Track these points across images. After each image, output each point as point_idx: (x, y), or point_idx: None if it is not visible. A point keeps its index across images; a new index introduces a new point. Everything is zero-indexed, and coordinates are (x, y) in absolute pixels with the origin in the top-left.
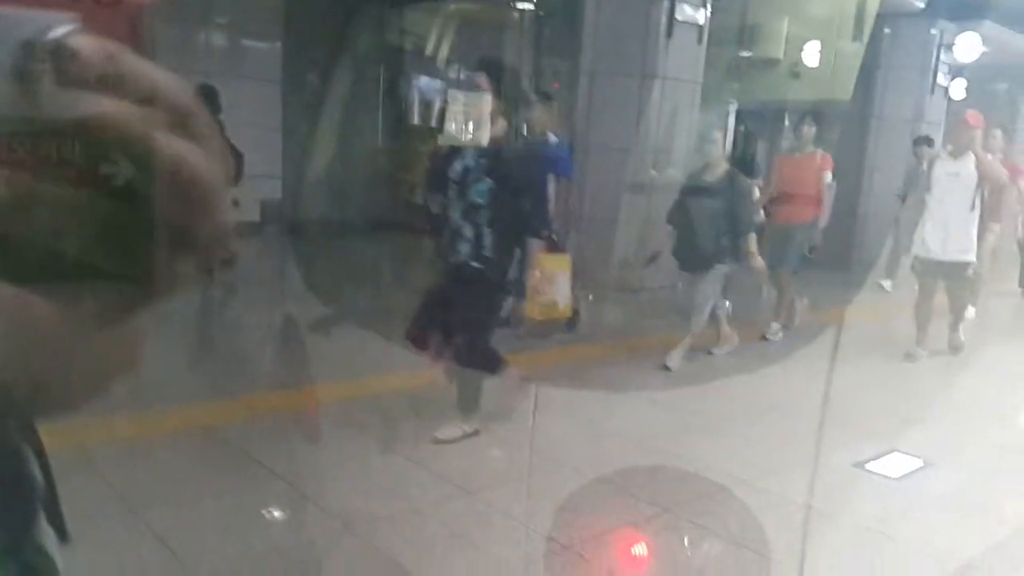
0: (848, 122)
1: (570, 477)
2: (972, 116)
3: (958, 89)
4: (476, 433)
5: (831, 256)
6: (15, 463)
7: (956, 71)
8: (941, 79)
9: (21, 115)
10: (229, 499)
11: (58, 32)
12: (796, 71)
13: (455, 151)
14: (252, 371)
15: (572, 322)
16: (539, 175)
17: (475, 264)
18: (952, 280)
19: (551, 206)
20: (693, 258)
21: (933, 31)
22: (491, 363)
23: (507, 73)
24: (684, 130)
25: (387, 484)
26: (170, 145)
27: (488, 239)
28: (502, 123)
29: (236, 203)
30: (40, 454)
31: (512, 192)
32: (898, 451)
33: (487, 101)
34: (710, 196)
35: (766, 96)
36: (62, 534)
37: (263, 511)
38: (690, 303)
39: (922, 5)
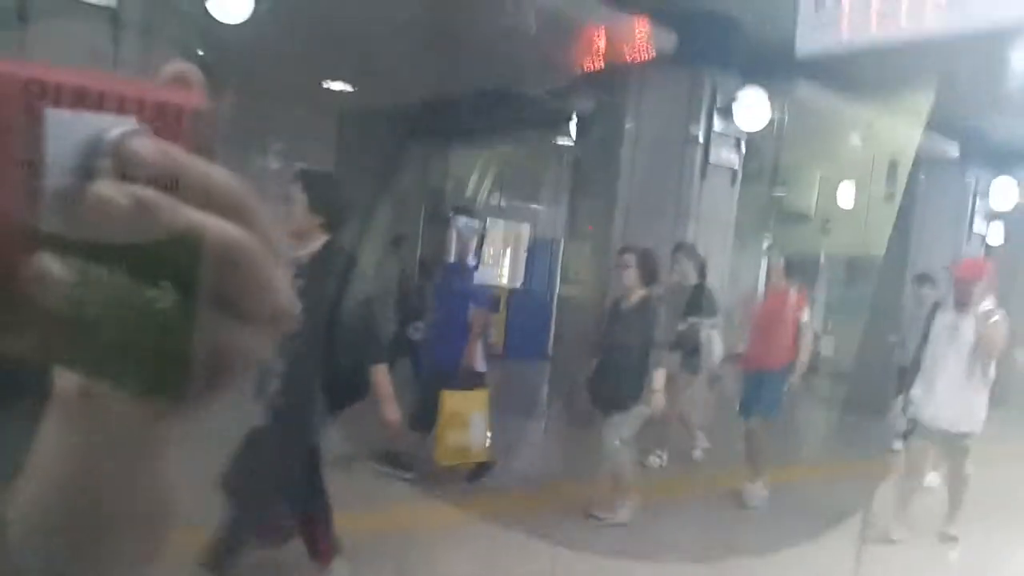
0: (884, 271)
1: None
2: (968, 266)
3: (995, 235)
4: None
5: (870, 407)
6: None
7: (992, 217)
8: (978, 226)
9: (77, 237)
10: None
11: (118, 132)
12: (827, 228)
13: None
14: None
15: (480, 470)
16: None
17: (284, 403)
18: (948, 454)
19: (470, 338)
20: (604, 393)
21: (969, 179)
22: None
23: (325, 182)
24: (717, 273)
25: None
26: (227, 242)
27: (301, 372)
28: (318, 236)
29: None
30: None
31: (325, 315)
32: None
33: (525, 230)
34: (624, 325)
35: (799, 248)
36: None
37: None
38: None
39: (957, 154)
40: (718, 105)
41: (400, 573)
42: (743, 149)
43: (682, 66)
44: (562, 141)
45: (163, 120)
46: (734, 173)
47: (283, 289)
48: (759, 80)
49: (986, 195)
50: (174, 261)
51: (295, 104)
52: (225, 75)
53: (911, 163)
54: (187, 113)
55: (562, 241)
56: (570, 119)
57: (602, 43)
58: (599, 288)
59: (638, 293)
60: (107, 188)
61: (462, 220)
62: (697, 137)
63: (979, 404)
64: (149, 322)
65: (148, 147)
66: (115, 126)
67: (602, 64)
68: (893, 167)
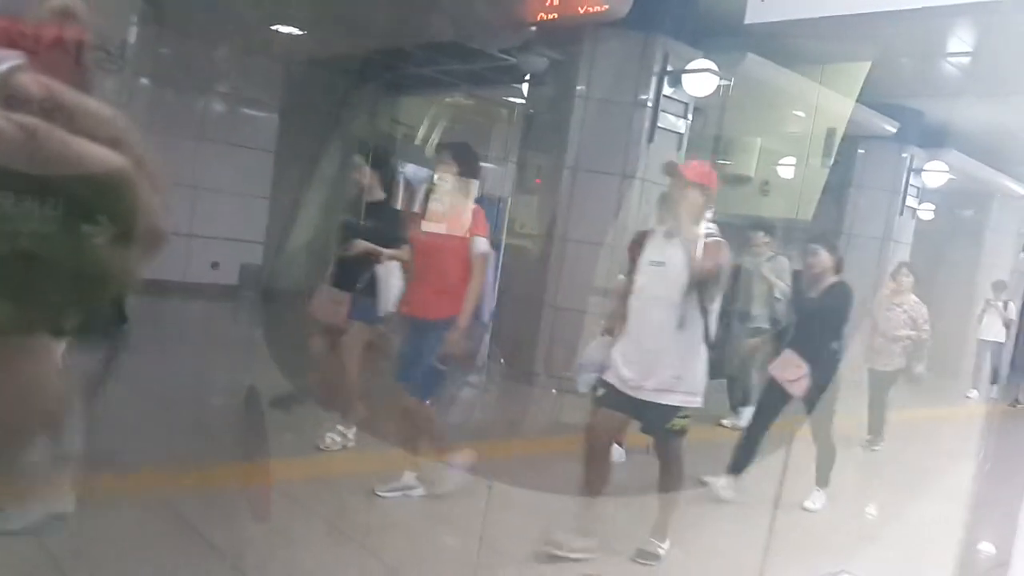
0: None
1: None
2: (692, 168)
3: (927, 212)
4: None
5: None
6: None
7: (925, 194)
8: (911, 201)
9: (7, 170)
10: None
11: (3, 67)
12: (765, 189)
13: None
14: (211, 440)
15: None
16: None
17: None
18: (655, 434)
19: None
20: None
21: (904, 155)
22: None
23: None
24: None
25: (334, 567)
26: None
27: None
28: None
29: (215, 266)
30: None
31: None
32: None
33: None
34: None
35: (737, 209)
36: None
37: None
38: None
39: (893, 130)
40: (668, 70)
41: None
42: (690, 115)
43: (635, 30)
44: (513, 98)
45: (46, 53)
46: (680, 137)
47: (158, 211)
48: (709, 48)
49: (919, 172)
50: (59, 184)
51: (244, 46)
52: (176, 13)
53: (842, 134)
54: (68, 45)
55: (509, 198)
56: (522, 77)
57: (556, 1)
58: (544, 239)
59: None
60: None
61: (411, 169)
62: (646, 101)
63: (696, 367)
64: (36, 239)
65: (30, 81)
66: (1, 61)
67: (555, 22)
68: (831, 137)
